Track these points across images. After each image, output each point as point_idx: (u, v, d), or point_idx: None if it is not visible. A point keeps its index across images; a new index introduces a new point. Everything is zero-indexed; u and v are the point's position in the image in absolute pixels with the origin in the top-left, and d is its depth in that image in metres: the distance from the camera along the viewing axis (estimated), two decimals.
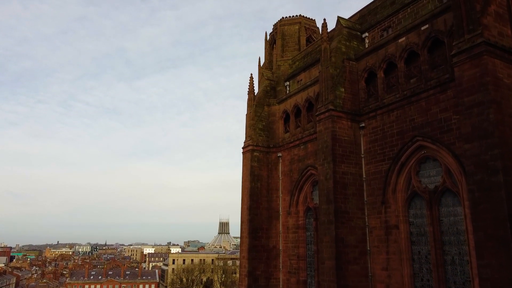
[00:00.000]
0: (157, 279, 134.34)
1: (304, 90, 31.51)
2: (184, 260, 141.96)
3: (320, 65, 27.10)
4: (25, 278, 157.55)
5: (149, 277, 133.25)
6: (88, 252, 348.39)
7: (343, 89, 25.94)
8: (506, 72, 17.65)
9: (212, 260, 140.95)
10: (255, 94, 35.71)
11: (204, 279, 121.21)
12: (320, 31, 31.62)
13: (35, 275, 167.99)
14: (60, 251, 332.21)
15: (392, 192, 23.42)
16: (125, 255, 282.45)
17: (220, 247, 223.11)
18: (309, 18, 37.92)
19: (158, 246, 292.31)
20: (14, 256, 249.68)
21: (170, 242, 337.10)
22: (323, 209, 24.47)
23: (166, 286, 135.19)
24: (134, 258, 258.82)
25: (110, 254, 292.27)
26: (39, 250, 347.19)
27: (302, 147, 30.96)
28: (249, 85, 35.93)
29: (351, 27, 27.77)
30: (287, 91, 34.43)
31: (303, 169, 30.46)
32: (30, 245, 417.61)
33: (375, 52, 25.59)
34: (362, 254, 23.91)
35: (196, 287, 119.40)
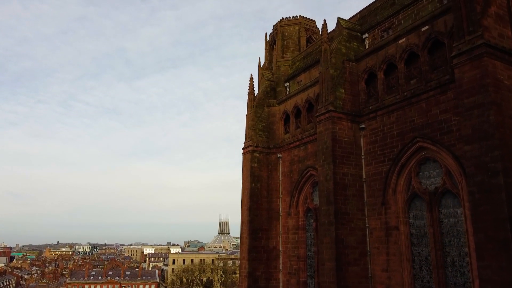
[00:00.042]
0: (157, 279, 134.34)
1: (304, 91, 31.50)
2: (184, 260, 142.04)
3: (320, 66, 27.09)
4: (25, 278, 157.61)
5: (149, 277, 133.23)
6: (88, 252, 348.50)
7: (343, 90, 25.93)
8: (506, 73, 17.63)
9: (212, 260, 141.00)
10: (255, 94, 35.70)
11: (204, 279, 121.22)
12: (320, 32, 31.61)
13: (35, 275, 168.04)
14: (60, 251, 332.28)
15: (392, 193, 23.40)
16: (125, 255, 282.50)
17: (220, 247, 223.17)
18: (309, 18, 37.91)
19: (158, 246, 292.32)
20: (14, 256, 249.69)
21: (170, 242, 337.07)
22: (323, 210, 24.46)
23: (166, 286, 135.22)
24: (134, 258, 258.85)
25: (110, 254, 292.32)
26: (39, 250, 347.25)
27: (302, 148, 30.95)
28: (249, 86, 35.92)
29: (351, 28, 27.76)
30: (287, 92, 34.42)
31: (303, 170, 30.45)
32: (30, 245, 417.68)
33: (375, 53, 25.57)
34: (362, 255, 23.90)
35: (196, 287, 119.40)
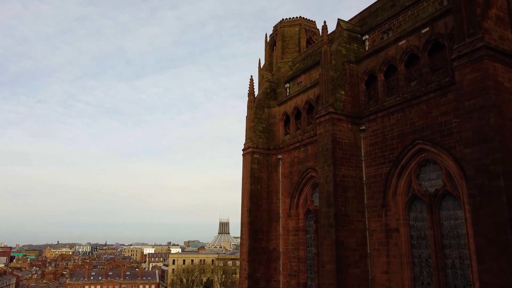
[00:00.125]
0: (157, 280, 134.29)
1: (304, 92, 31.47)
2: (184, 260, 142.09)
3: (321, 68, 27.06)
4: (25, 279, 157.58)
5: (149, 278, 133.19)
6: (88, 252, 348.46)
7: (344, 92, 25.90)
8: (506, 76, 17.59)
9: (212, 260, 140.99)
10: (255, 96, 35.68)
11: (204, 279, 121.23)
12: (320, 33, 31.57)
13: (35, 276, 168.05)
14: (60, 251, 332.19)
15: (392, 195, 23.37)
16: (125, 255, 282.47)
17: (220, 247, 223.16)
18: (309, 19, 37.88)
19: (158, 246, 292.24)
20: (14, 256, 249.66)
21: (170, 242, 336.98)
22: (323, 212, 24.43)
23: (166, 287, 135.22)
24: (134, 258, 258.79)
25: (110, 254, 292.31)
26: (39, 250, 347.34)
27: (302, 149, 30.92)
28: (249, 87, 35.89)
29: (351, 29, 27.73)
30: (287, 93, 34.39)
31: (303, 172, 30.41)
32: (30, 245, 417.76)
33: (375, 54, 25.54)
34: (363, 257, 23.87)
35: (196, 287, 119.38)
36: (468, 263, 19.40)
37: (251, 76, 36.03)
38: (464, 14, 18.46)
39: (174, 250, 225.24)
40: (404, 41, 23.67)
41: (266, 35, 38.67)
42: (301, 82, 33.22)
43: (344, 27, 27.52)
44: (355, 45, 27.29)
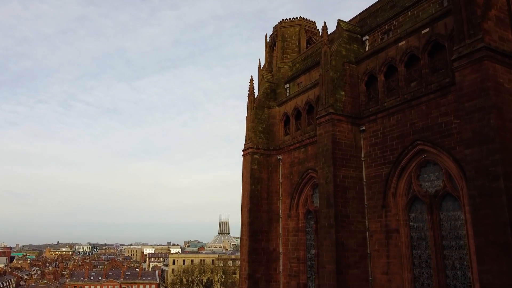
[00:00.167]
0: (157, 280, 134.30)
1: (304, 93, 31.47)
2: (184, 260, 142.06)
3: (321, 68, 27.06)
4: (25, 279, 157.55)
5: (149, 278, 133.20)
6: (88, 252, 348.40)
7: (344, 93, 25.89)
8: (507, 77, 17.59)
9: (212, 260, 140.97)
10: (255, 96, 35.67)
11: (204, 279, 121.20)
12: (320, 34, 31.56)
13: (35, 276, 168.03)
14: (60, 251, 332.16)
15: (392, 196, 23.37)
16: (125, 255, 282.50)
17: (220, 247, 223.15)
18: (309, 20, 37.87)
19: (158, 246, 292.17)
20: (14, 256, 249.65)
21: (170, 242, 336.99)
22: (324, 213, 24.43)
23: (166, 287, 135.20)
24: (134, 258, 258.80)
25: (110, 254, 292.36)
26: (39, 250, 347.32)
27: (302, 149, 30.91)
28: (249, 88, 35.89)
29: (351, 30, 27.72)
30: (287, 94, 34.39)
31: (303, 172, 30.41)
32: (30, 245, 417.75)
33: (375, 55, 25.53)
34: (363, 258, 23.87)
35: (196, 287, 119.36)
36: (468, 264, 19.39)
37: (251, 76, 36.07)
38: (464, 15, 18.46)
39: (174, 250, 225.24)
40: (404, 42, 23.67)
41: (266, 35, 38.69)
42: (301, 82, 33.21)
43: (344, 28, 27.51)
44: (355, 45, 27.29)
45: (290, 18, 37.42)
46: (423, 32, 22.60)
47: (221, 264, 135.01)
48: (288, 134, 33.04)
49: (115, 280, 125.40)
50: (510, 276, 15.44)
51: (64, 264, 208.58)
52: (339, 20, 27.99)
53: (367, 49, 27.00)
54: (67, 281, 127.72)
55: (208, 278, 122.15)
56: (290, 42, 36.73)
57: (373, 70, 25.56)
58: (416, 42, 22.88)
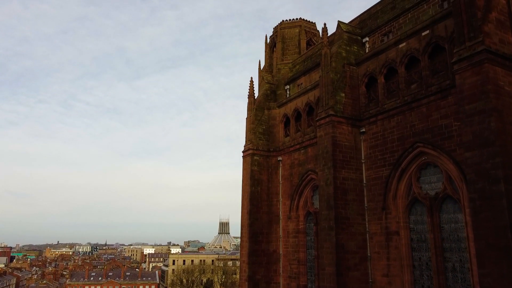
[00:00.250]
0: (157, 280, 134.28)
1: (304, 94, 31.43)
2: (184, 261, 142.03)
3: (321, 70, 27.03)
4: (25, 279, 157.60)
5: (149, 278, 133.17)
6: (88, 252, 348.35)
7: (344, 94, 25.86)
8: (507, 80, 17.56)
9: (212, 260, 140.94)
10: (255, 97, 35.65)
11: (204, 280, 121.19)
12: (321, 35, 31.53)
13: (35, 276, 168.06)
14: (60, 251, 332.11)
15: (392, 198, 23.35)
16: (125, 255, 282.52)
17: (220, 247, 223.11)
18: (309, 21, 37.86)
19: (158, 246, 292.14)
20: (14, 256, 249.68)
21: (170, 242, 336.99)
22: (324, 215, 24.41)
23: (166, 287, 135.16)
24: (134, 258, 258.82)
25: (110, 254, 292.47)
26: (39, 250, 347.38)
27: (302, 151, 30.89)
28: (249, 89, 35.87)
29: (351, 31, 27.69)
30: (287, 95, 34.37)
31: (303, 174, 30.39)
32: (30, 245, 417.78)
33: (375, 57, 25.50)
34: (363, 260, 23.84)
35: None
36: (469, 266, 19.37)
37: (251, 78, 36.06)
38: (465, 18, 18.43)
39: (174, 250, 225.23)
40: (404, 44, 23.64)
41: (266, 36, 38.67)
42: (301, 84, 33.20)
43: (344, 29, 27.48)
44: (355, 47, 27.26)
45: (290, 19, 37.41)
46: (423, 34, 22.57)
47: (221, 265, 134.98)
48: (288, 136, 33.02)
49: (115, 281, 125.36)
50: (511, 279, 15.41)
51: (64, 264, 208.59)
52: (339, 22, 27.96)
53: (367, 50, 26.98)
54: (67, 281, 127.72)
55: (208, 278, 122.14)
56: (290, 43, 36.71)
57: (373, 72, 25.54)
58: (417, 44, 22.85)
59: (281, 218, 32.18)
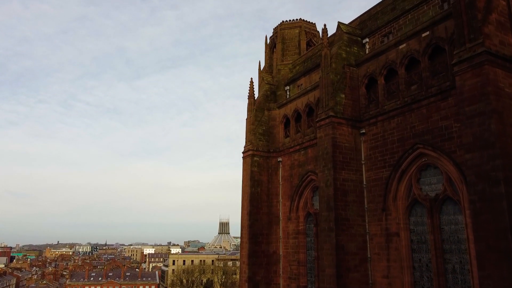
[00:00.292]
0: (157, 281, 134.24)
1: (304, 95, 31.41)
2: (184, 261, 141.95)
3: (321, 71, 27.00)
4: (25, 279, 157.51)
5: (149, 279, 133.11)
6: (88, 252, 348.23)
7: (344, 95, 25.84)
8: (507, 81, 17.54)
9: (212, 261, 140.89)
10: (255, 98, 35.62)
11: (204, 280, 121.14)
12: (321, 35, 31.50)
13: (35, 276, 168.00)
14: (60, 251, 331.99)
15: (392, 199, 23.33)
16: (125, 255, 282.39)
17: (220, 247, 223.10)
18: (309, 21, 37.83)
19: (158, 246, 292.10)
20: (14, 256, 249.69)
21: (170, 242, 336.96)
22: (324, 216, 24.39)
23: (166, 287, 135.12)
24: (134, 259, 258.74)
25: (110, 254, 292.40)
26: (39, 250, 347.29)
27: (302, 152, 30.87)
28: (249, 90, 35.84)
29: (351, 32, 27.67)
30: (287, 96, 34.34)
31: (303, 175, 30.37)
32: (30, 245, 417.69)
33: (375, 58, 25.48)
34: (363, 261, 23.83)
35: None
36: (469, 268, 19.35)
37: (251, 78, 36.04)
38: (465, 19, 18.41)
39: (174, 250, 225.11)
40: (404, 45, 23.62)
41: (266, 37, 38.66)
42: (301, 84, 33.17)
43: (344, 30, 27.46)
44: (356, 48, 27.24)
45: (290, 20, 37.39)
46: (423, 35, 22.55)
47: (221, 265, 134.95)
48: (288, 137, 33.00)
49: (115, 281, 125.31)
50: (511, 282, 15.39)
51: (64, 264, 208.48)
52: (339, 23, 27.94)
53: (367, 51, 26.95)
54: (67, 281, 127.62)
55: (208, 278, 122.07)
56: (290, 44, 36.68)
57: (373, 73, 25.51)
58: (417, 45, 22.83)
59: (281, 219, 32.17)
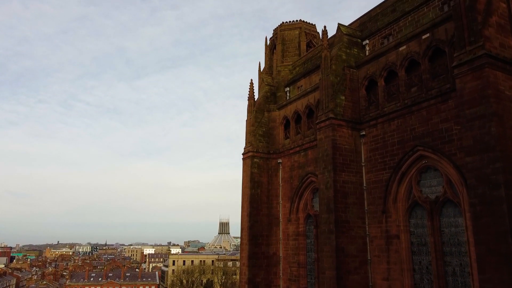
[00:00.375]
0: (157, 281, 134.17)
1: (304, 97, 31.38)
2: (184, 261, 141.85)
3: (321, 73, 26.97)
4: (25, 280, 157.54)
5: (149, 279, 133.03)
6: (88, 252, 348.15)
7: (344, 97, 25.81)
8: (508, 84, 17.51)
9: (212, 261, 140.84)
10: (255, 99, 35.59)
11: (204, 280, 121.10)
12: (321, 37, 31.46)
13: (35, 277, 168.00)
14: (60, 251, 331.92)
15: (393, 201, 23.30)
16: (125, 255, 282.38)
17: (220, 247, 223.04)
18: (309, 23, 37.80)
19: (158, 246, 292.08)
20: (14, 256, 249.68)
21: (170, 242, 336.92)
22: (324, 218, 24.36)
23: None
24: (134, 259, 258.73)
25: (110, 255, 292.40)
26: (39, 250, 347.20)
27: (302, 153, 30.84)
28: (249, 91, 35.80)
29: (351, 34, 27.63)
30: (288, 97, 34.31)
31: (303, 176, 30.34)
32: (30, 245, 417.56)
33: (375, 60, 25.45)
34: (363, 263, 23.80)
35: None
36: (469, 271, 19.32)
37: (251, 80, 36.02)
38: (465, 22, 18.38)
39: (174, 250, 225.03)
40: (404, 47, 23.59)
41: (266, 38, 38.61)
42: (301, 86, 33.14)
43: (344, 32, 27.43)
44: (356, 50, 27.21)
45: (290, 21, 37.35)
46: (423, 37, 22.53)
47: (221, 265, 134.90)
48: (288, 138, 32.97)
49: (115, 281, 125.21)
50: (511, 285, 15.36)
51: (64, 265, 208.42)
52: (339, 24, 27.90)
53: (367, 53, 26.92)
54: (67, 282, 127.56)
55: (208, 279, 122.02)
56: (290, 45, 36.65)
57: (373, 74, 25.49)
58: (417, 47, 22.80)
59: (281, 220, 32.14)
